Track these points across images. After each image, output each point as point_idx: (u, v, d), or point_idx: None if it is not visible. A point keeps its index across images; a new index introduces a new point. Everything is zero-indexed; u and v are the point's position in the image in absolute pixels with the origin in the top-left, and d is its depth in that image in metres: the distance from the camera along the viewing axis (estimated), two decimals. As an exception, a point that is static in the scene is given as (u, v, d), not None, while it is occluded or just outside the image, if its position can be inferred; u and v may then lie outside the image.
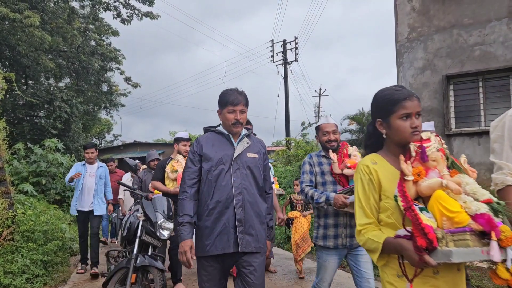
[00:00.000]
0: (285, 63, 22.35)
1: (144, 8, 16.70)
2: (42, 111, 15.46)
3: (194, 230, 2.46)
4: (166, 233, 3.75)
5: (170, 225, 3.80)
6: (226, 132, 2.54)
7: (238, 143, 2.52)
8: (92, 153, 5.91)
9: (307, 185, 3.06)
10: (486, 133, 4.48)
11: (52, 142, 10.57)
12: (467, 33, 6.95)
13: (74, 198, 5.83)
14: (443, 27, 7.20)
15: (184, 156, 4.99)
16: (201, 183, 2.46)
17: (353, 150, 3.13)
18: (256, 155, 2.54)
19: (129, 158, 6.67)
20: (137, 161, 7.28)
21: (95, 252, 5.68)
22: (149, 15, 16.75)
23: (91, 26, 17.01)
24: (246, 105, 2.53)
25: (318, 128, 3.21)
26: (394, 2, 7.82)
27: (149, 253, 3.76)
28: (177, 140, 5.08)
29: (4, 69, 14.82)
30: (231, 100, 2.46)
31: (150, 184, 5.36)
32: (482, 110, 6.98)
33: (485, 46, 6.80)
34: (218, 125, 2.63)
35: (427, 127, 3.74)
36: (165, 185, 4.83)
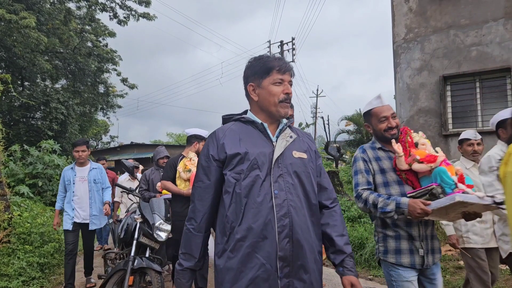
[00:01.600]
0: (282, 64, 22.35)
1: (141, 9, 16.75)
2: (38, 113, 15.42)
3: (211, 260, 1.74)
4: (163, 235, 3.73)
5: (168, 227, 3.78)
6: (259, 121, 1.72)
7: (277, 137, 1.71)
8: (83, 151, 4.75)
9: (365, 189, 2.28)
10: (483, 133, 4.51)
11: (49, 144, 10.51)
12: (464, 33, 6.97)
13: (66, 211, 4.72)
14: (440, 28, 7.22)
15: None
16: (223, 198, 1.64)
17: (420, 137, 2.36)
18: (305, 155, 1.72)
19: (124, 159, 6.44)
20: (136, 163, 7.07)
21: (88, 262, 4.96)
22: (146, 16, 16.76)
23: (87, 27, 16.98)
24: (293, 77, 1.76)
25: (369, 114, 2.42)
26: (391, 3, 7.83)
27: (147, 255, 3.73)
28: (198, 138, 4.45)
29: (0, 71, 14.75)
30: (278, 65, 1.69)
31: (158, 184, 5.10)
32: (479, 111, 7.00)
33: (482, 47, 6.81)
34: (244, 112, 1.83)
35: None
36: (176, 185, 4.34)
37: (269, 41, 23.30)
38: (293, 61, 22.70)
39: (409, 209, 2.05)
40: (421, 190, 2.13)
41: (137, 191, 5.21)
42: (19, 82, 15.92)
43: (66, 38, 15.33)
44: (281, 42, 22.66)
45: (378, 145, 2.41)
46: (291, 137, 1.71)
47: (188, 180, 4.24)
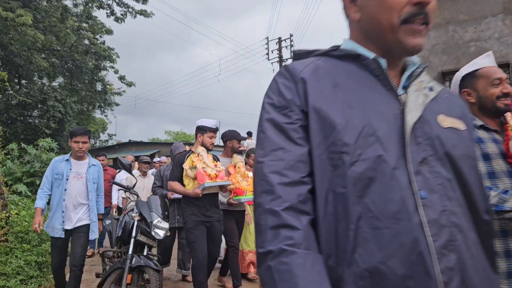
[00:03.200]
0: (281, 60, 22.35)
1: (138, 6, 16.65)
2: (35, 111, 15.38)
3: None
4: (161, 233, 3.72)
5: (166, 225, 3.77)
6: (372, 55, 0.89)
7: (406, 87, 0.90)
8: (84, 143, 3.80)
9: None
10: (482, 129, 4.61)
11: (46, 142, 10.47)
12: (463, 29, 6.96)
13: (55, 213, 3.82)
14: (439, 24, 7.20)
15: (209, 150, 3.90)
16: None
17: None
18: (461, 125, 0.90)
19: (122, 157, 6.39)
20: (147, 158, 6.94)
21: (74, 285, 3.73)
22: (143, 13, 16.68)
23: (84, 24, 16.91)
24: None
25: (473, 76, 1.77)
26: (389, -2, 7.82)
27: (145, 253, 3.72)
28: (201, 130, 3.90)
29: (-3, 69, 14.71)
30: None
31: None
32: (478, 106, 7.01)
33: (481, 42, 6.80)
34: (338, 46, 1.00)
35: None
36: (184, 185, 3.85)
37: (267, 38, 23.23)
38: (291, 57, 22.65)
39: None
40: None
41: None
42: (16, 80, 15.86)
43: (63, 36, 15.27)
44: (279, 39, 22.57)
45: (479, 122, 1.71)
46: (431, 89, 0.90)
47: (195, 178, 3.74)
